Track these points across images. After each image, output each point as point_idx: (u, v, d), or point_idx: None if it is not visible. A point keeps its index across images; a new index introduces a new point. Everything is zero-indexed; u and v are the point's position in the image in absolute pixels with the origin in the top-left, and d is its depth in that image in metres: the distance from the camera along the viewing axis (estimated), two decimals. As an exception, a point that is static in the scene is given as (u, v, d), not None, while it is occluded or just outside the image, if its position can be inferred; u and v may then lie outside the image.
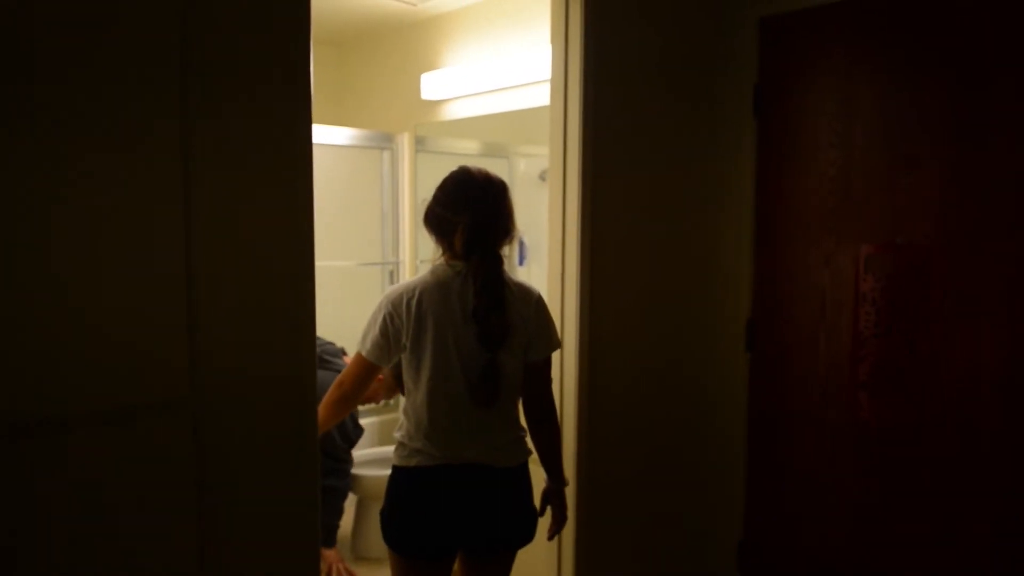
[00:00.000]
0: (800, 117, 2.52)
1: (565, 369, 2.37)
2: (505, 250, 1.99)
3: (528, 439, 2.04)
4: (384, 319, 1.94)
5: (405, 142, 4.07)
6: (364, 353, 1.98)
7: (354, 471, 3.38)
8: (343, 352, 3.38)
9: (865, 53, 2.37)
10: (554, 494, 2.09)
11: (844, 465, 2.47)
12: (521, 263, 3.68)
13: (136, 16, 1.41)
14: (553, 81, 2.36)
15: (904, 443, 2.33)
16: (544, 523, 2.10)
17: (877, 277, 2.36)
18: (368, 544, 3.43)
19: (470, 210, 1.93)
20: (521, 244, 3.69)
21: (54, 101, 1.35)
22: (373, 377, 2.05)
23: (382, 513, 2.01)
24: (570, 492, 2.37)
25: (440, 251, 2.01)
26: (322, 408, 2.06)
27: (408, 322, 1.91)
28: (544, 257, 3.46)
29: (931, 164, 2.25)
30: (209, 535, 1.58)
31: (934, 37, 2.23)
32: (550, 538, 2.13)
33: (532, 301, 1.99)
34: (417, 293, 1.92)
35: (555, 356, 2.39)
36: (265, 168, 1.59)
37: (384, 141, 4.07)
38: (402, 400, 2.05)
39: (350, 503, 3.69)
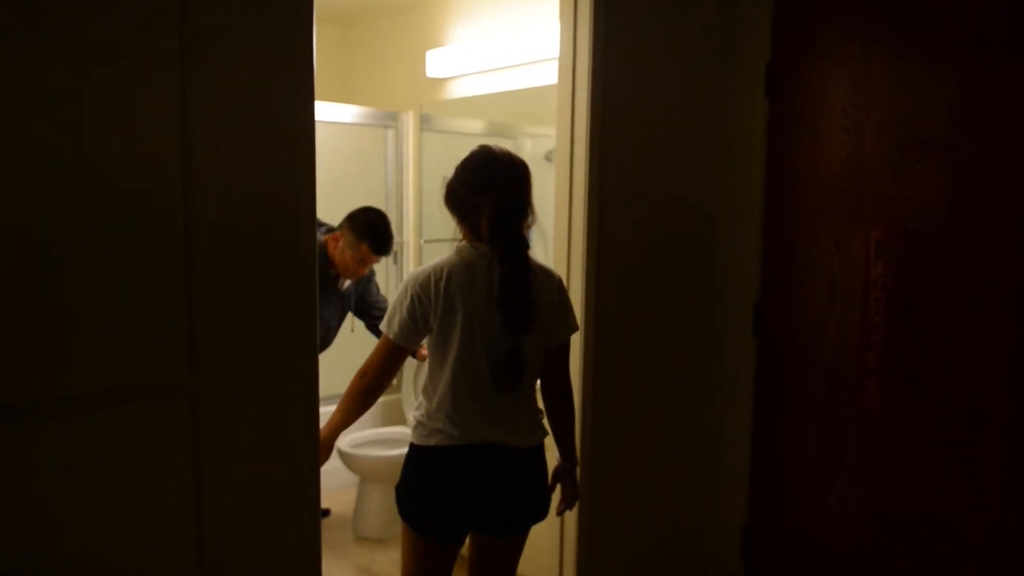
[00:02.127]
0: (812, 98, 2.48)
1: (571, 352, 2.35)
2: (527, 221, 1.96)
3: (544, 421, 2.04)
4: (413, 300, 1.91)
5: (410, 121, 4.03)
6: (392, 336, 1.93)
7: (355, 451, 3.37)
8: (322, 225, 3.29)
9: (880, 35, 2.32)
10: (566, 473, 2.10)
11: (849, 453, 2.45)
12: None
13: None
14: (561, 59, 2.32)
15: (911, 432, 2.31)
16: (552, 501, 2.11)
17: (888, 263, 2.33)
18: (370, 524, 3.43)
19: (497, 194, 1.91)
20: (527, 225, 3.65)
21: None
22: (400, 363, 2.00)
23: (398, 489, 2.01)
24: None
25: (461, 231, 1.98)
26: (342, 404, 2.02)
27: (437, 303, 1.89)
28: (549, 238, 3.43)
29: (944, 148, 2.21)
30: (208, 526, 1.57)
31: (949, 19, 2.19)
32: (559, 514, 2.14)
33: (554, 285, 2.00)
34: (445, 274, 1.89)
35: (560, 339, 2.38)
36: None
37: (389, 119, 4.03)
38: (415, 378, 2.04)
39: (352, 484, 3.69)
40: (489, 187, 1.91)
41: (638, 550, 2.59)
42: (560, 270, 2.37)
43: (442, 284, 1.88)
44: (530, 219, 1.97)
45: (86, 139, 1.37)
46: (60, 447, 1.40)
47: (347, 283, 3.19)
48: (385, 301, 3.41)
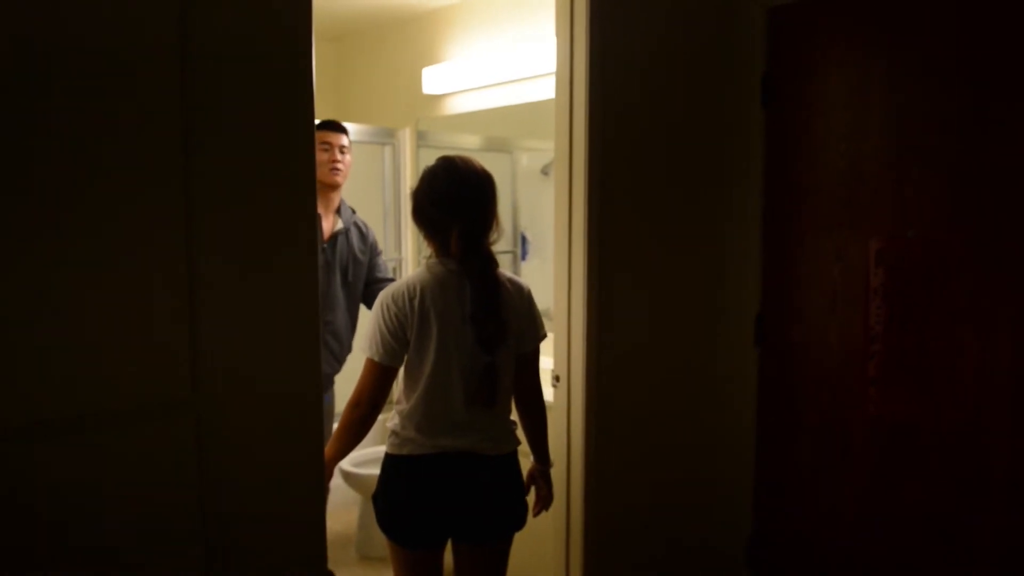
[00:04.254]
0: (809, 108, 2.50)
1: (572, 365, 2.35)
2: (493, 235, 2.00)
3: (517, 429, 2.08)
4: (391, 318, 1.93)
5: (407, 137, 4.04)
6: (377, 358, 1.94)
7: (358, 470, 3.36)
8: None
9: (876, 44, 2.34)
10: (541, 474, 2.16)
11: (853, 460, 2.44)
12: (524, 258, 3.66)
13: None
14: (559, 74, 2.33)
15: (914, 439, 2.31)
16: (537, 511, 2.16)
17: (888, 271, 2.33)
18: (373, 543, 3.41)
19: (466, 213, 1.94)
20: (523, 239, 3.66)
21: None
22: (391, 383, 2.00)
23: (375, 498, 2.04)
24: (578, 484, 2.38)
25: (430, 246, 2.02)
26: (339, 433, 2.02)
27: (412, 319, 1.91)
28: (546, 252, 3.43)
29: (942, 156, 2.22)
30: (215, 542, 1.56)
31: (946, 28, 2.21)
32: (535, 515, 2.16)
33: (524, 296, 2.04)
34: (419, 291, 1.92)
35: (563, 352, 2.38)
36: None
37: (386, 136, 4.04)
38: (395, 390, 2.05)
39: (354, 503, 3.67)
40: (457, 207, 1.94)
41: (644, 559, 2.58)
42: (561, 282, 2.37)
43: (416, 302, 1.91)
44: (496, 234, 2.00)
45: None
46: (63, 467, 1.39)
47: (338, 224, 2.99)
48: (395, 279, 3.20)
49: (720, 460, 2.73)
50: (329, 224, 2.99)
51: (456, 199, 1.94)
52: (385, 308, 1.94)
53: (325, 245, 2.96)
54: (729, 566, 2.76)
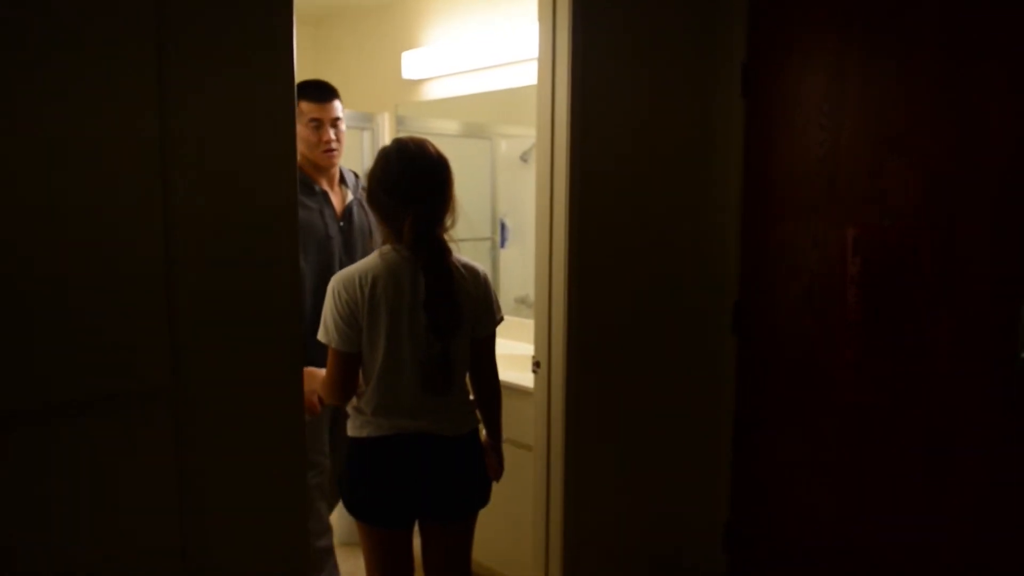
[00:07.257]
0: (789, 97, 2.51)
1: (553, 351, 2.36)
2: (448, 220, 1.99)
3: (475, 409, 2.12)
4: (342, 305, 1.94)
5: (386, 122, 4.01)
6: (336, 345, 1.95)
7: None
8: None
9: (855, 34, 2.35)
10: (492, 447, 2.18)
11: (829, 447, 2.48)
12: (503, 245, 3.66)
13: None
14: (541, 60, 2.32)
15: (890, 425, 2.34)
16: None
17: (865, 259, 2.36)
18: (353, 531, 3.40)
19: (419, 201, 1.93)
20: (503, 226, 3.66)
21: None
22: (356, 369, 2.01)
23: (339, 481, 2.07)
24: (558, 469, 2.39)
25: (386, 231, 2.01)
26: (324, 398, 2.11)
27: (363, 306, 1.92)
28: (526, 239, 3.43)
29: (917, 145, 2.24)
30: (192, 530, 1.55)
31: (923, 19, 2.22)
32: None
33: (480, 281, 2.04)
34: (370, 278, 1.92)
35: (544, 338, 2.39)
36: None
37: (364, 121, 4.01)
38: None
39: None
40: (409, 196, 1.93)
41: (622, 546, 2.60)
42: (542, 270, 2.38)
43: (367, 289, 1.91)
44: (452, 219, 1.99)
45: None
46: (40, 455, 1.37)
47: (348, 196, 2.71)
48: None
49: (698, 446, 2.75)
50: (339, 198, 2.72)
51: (408, 188, 1.93)
52: (336, 295, 1.94)
53: (341, 223, 2.69)
54: (706, 551, 2.79)
